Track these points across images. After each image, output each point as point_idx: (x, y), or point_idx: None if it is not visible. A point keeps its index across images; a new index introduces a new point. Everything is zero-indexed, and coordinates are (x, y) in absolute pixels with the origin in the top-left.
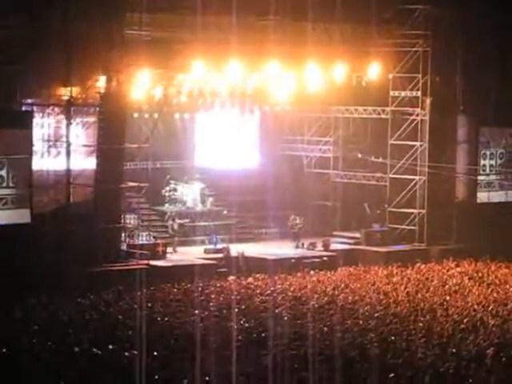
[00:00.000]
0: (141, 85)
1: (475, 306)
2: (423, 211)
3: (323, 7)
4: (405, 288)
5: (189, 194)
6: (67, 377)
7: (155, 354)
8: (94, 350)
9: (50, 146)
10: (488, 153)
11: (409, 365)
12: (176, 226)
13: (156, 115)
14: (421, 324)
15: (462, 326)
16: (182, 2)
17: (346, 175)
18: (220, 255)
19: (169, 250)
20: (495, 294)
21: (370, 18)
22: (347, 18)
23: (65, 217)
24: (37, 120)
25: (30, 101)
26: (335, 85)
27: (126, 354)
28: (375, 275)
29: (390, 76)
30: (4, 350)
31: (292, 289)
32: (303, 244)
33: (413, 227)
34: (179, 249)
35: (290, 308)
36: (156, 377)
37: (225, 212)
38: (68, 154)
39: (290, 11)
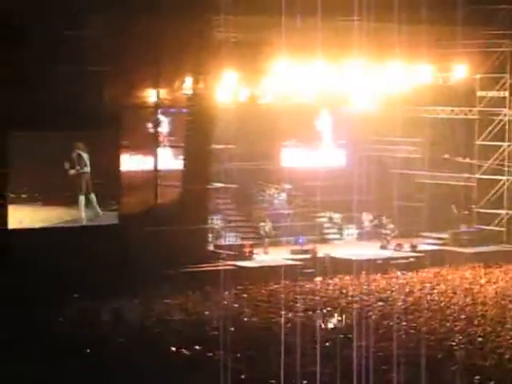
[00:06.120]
0: (228, 86)
1: None
2: (511, 212)
3: (407, 8)
4: (493, 289)
5: (276, 194)
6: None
7: (241, 354)
8: (183, 350)
9: (138, 147)
10: None
11: (497, 367)
12: (268, 228)
13: (243, 116)
14: (509, 325)
15: None
16: (269, 4)
17: (432, 176)
18: (307, 256)
19: (259, 251)
20: None
21: (456, 18)
22: (432, 18)
23: (152, 217)
24: (125, 121)
25: (118, 103)
26: (421, 85)
27: (211, 354)
28: (462, 276)
29: (477, 76)
30: (88, 351)
31: (378, 290)
32: (390, 245)
33: (501, 228)
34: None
35: (376, 309)
36: (242, 377)
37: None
38: (156, 154)
39: (374, 12)
